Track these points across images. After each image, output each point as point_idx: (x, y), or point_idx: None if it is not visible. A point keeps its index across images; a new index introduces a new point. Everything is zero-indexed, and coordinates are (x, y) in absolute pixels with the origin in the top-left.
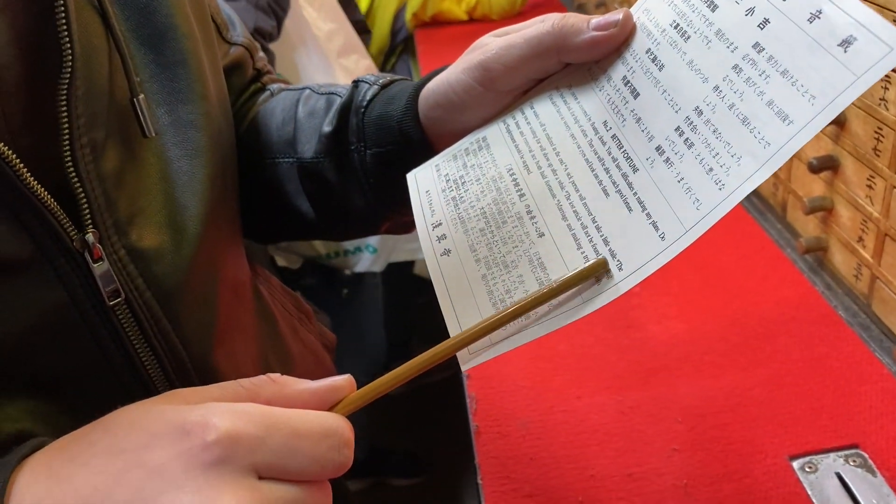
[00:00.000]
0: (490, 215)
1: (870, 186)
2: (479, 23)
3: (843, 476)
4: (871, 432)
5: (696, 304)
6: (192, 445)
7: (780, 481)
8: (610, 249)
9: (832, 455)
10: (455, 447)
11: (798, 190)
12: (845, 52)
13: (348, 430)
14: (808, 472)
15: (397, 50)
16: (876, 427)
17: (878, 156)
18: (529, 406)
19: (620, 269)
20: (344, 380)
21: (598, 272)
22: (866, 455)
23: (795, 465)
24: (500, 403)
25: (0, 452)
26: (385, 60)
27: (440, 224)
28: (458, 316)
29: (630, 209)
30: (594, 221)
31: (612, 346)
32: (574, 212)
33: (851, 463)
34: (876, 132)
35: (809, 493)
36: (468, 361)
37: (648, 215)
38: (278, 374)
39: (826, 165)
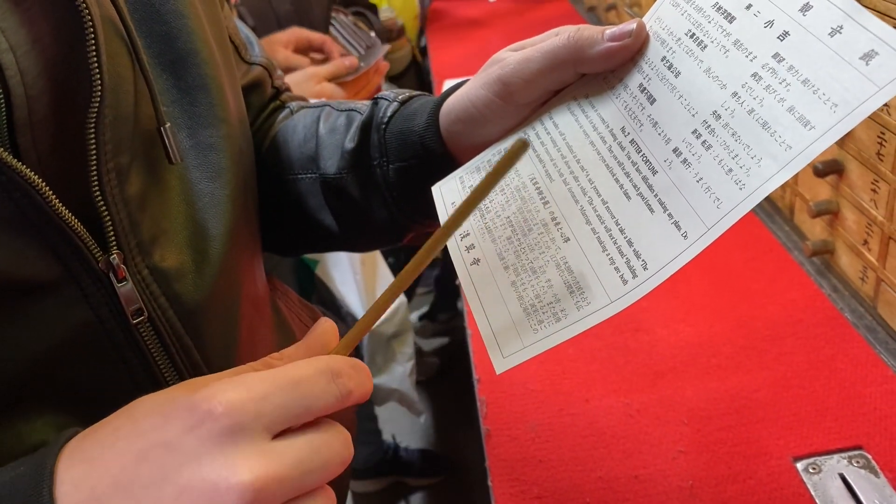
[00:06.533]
0: (516, 223)
1: (874, 190)
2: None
3: (847, 477)
4: (875, 434)
5: (704, 307)
6: (201, 420)
7: (784, 482)
8: (634, 250)
9: (836, 456)
10: (472, 448)
11: (805, 193)
12: (867, 64)
13: (339, 362)
14: (811, 473)
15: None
16: (880, 429)
17: (881, 160)
18: (539, 409)
19: (646, 268)
20: (324, 322)
21: (523, 151)
22: (870, 456)
23: (799, 466)
24: (509, 407)
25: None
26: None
27: (468, 234)
28: (491, 322)
29: (652, 210)
30: (617, 224)
31: (620, 349)
32: (598, 216)
33: (855, 464)
34: (879, 137)
35: (813, 494)
36: (502, 365)
37: (670, 216)
38: (280, 352)
39: (831, 169)
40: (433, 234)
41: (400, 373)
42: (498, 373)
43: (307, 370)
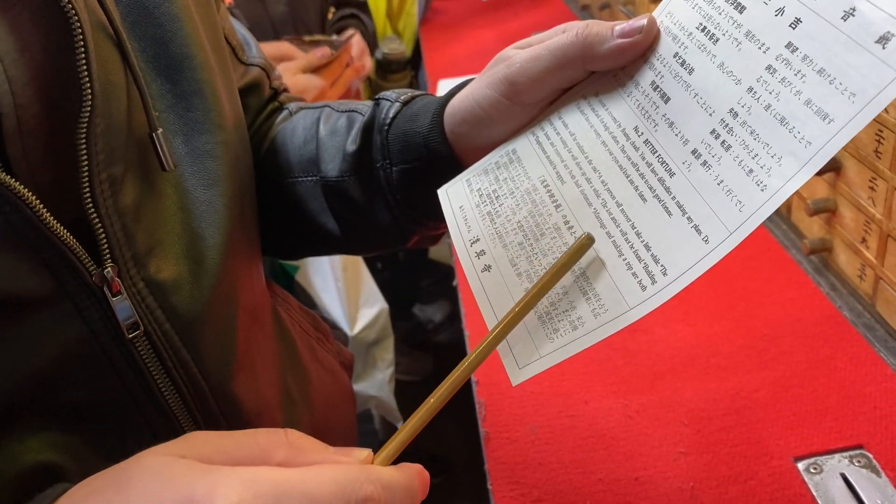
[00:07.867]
0: (527, 228)
1: (872, 188)
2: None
3: (848, 477)
4: (876, 433)
5: (702, 307)
6: None
7: (786, 483)
8: (653, 255)
9: (837, 456)
10: (470, 449)
11: (802, 191)
12: (883, 48)
13: (369, 485)
14: (813, 473)
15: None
16: (881, 427)
17: (879, 158)
18: (538, 411)
19: (665, 273)
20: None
21: (585, 248)
22: (871, 455)
23: (800, 466)
24: (508, 409)
25: (22, 486)
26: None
27: (478, 240)
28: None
29: (670, 213)
30: (633, 227)
31: (619, 349)
32: (612, 219)
33: (856, 463)
34: (877, 134)
35: (814, 494)
36: (519, 377)
37: (689, 219)
38: (295, 433)
39: (829, 167)
40: (477, 348)
41: (380, 379)
42: (514, 384)
43: (328, 487)
